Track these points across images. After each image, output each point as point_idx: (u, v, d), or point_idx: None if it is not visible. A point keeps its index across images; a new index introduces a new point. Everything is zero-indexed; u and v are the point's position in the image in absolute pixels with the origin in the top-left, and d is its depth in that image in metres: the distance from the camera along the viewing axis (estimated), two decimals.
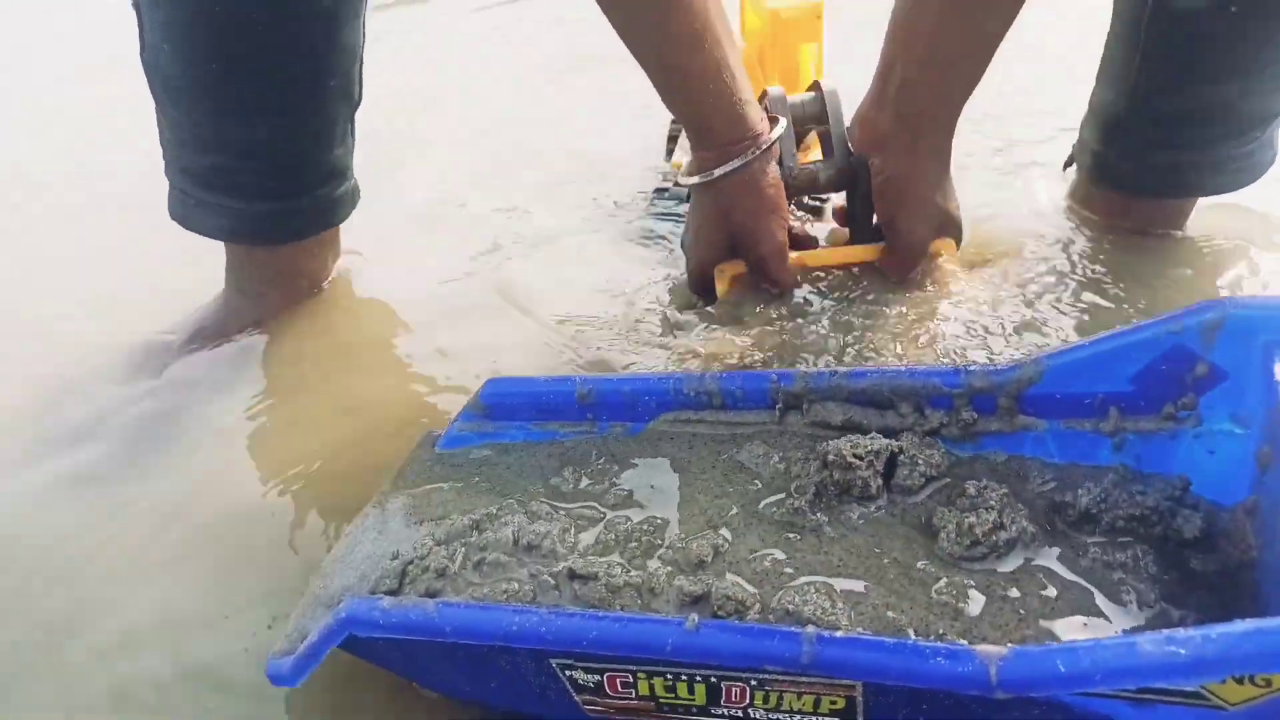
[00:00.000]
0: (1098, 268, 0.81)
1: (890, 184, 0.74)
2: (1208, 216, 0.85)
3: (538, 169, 1.11)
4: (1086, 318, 0.73)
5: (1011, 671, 0.35)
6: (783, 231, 0.73)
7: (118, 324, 0.87)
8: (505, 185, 1.07)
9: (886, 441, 0.50)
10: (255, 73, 0.74)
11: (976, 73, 0.69)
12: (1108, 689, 0.34)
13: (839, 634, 0.38)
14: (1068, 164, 0.90)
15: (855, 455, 0.49)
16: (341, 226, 0.88)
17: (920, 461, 0.49)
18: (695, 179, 0.73)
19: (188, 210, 0.82)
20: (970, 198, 0.83)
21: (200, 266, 0.87)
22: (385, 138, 1.18)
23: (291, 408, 0.75)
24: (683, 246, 0.80)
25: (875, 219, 0.77)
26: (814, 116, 0.79)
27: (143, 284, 0.94)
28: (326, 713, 0.52)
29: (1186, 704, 0.35)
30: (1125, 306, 0.75)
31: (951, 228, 0.76)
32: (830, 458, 0.49)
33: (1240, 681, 0.34)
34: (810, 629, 0.38)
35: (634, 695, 0.44)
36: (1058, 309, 0.74)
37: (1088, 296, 0.76)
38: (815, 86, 0.79)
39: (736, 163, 0.71)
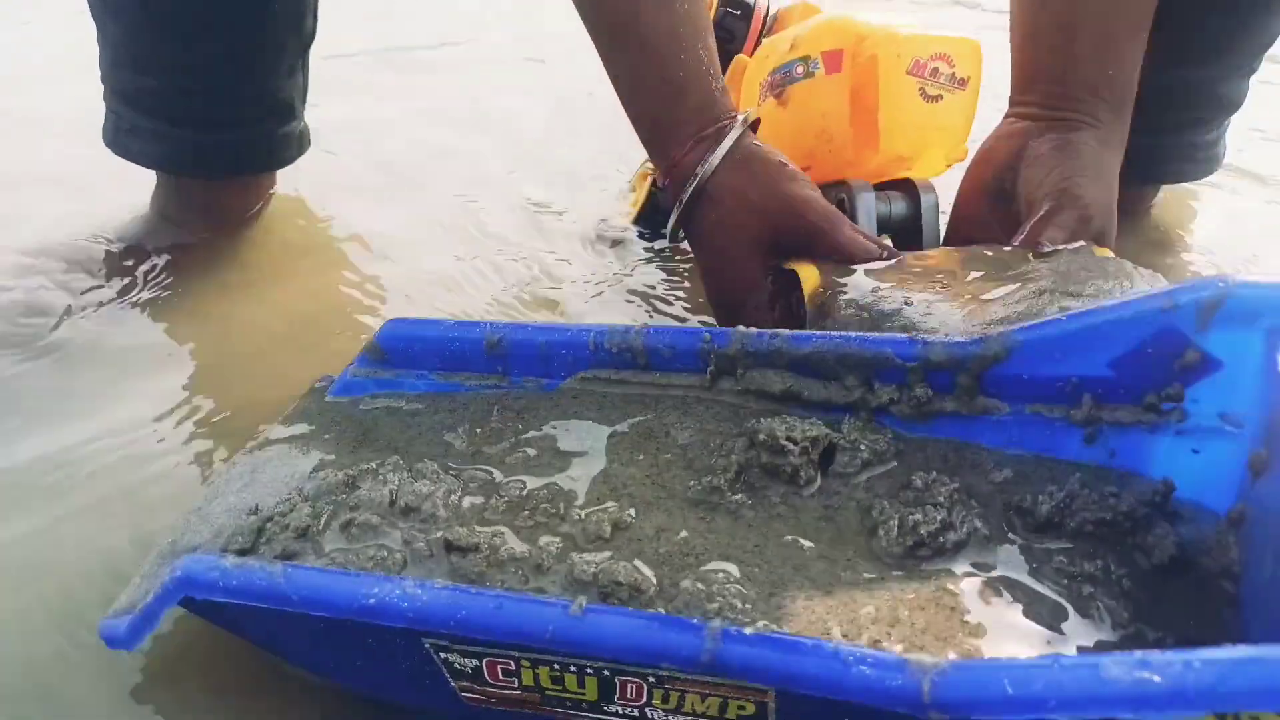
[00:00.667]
0: None
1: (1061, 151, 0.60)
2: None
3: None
4: None
5: (949, 688, 0.29)
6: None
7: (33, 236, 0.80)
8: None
9: (825, 430, 0.43)
10: None
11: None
12: (1070, 715, 0.28)
13: (748, 631, 0.31)
14: None
15: (789, 439, 0.43)
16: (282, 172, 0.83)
17: (863, 447, 0.43)
18: (693, 183, 0.58)
19: (119, 136, 0.77)
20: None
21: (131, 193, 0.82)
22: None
23: (191, 335, 0.70)
24: (713, 303, 0.62)
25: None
26: (900, 222, 0.65)
27: (70, 204, 0.87)
28: (178, 680, 0.45)
29: None
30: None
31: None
32: (760, 437, 0.43)
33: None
34: (715, 622, 0.32)
35: (516, 685, 0.38)
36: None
37: None
38: (906, 184, 0.66)
39: (736, 132, 0.58)
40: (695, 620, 0.32)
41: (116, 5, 0.72)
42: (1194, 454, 0.40)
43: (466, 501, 0.43)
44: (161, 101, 0.75)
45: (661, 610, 0.37)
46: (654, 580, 0.38)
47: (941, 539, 0.39)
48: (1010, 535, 0.40)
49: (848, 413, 0.46)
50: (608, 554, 0.39)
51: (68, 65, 1.15)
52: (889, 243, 0.58)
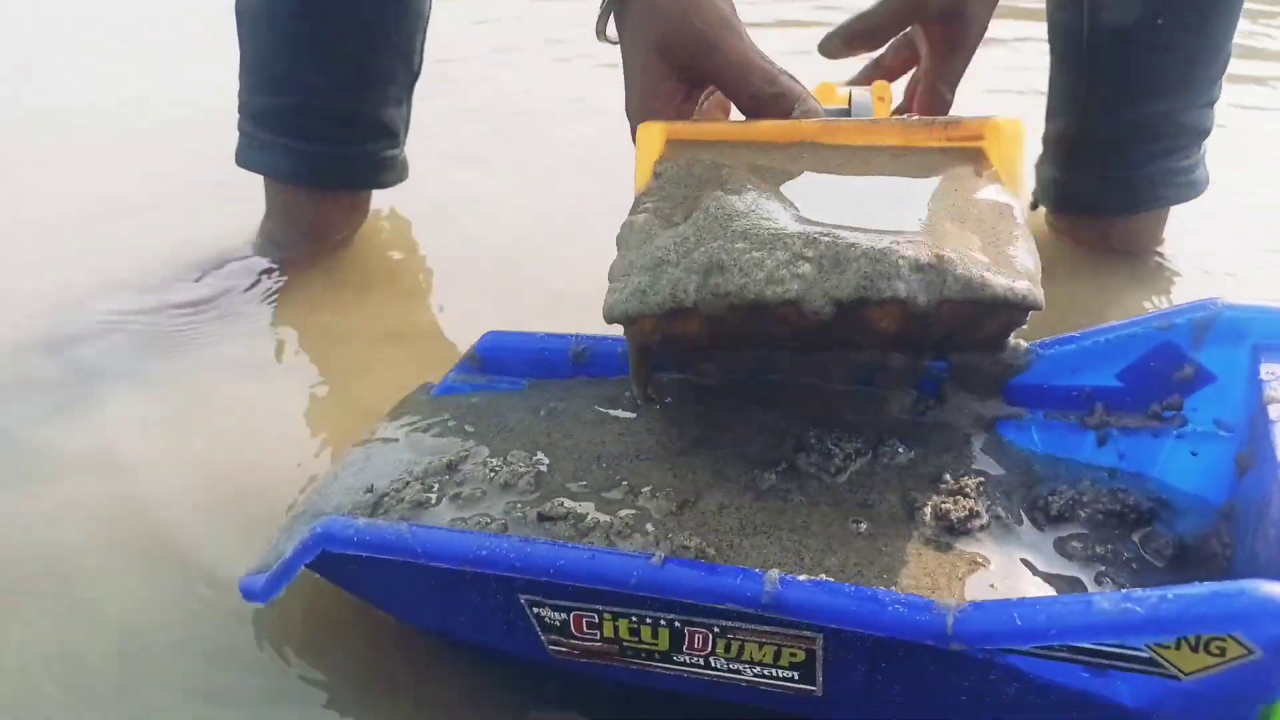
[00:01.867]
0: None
1: None
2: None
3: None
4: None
5: (968, 623, 0.35)
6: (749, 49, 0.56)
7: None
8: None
9: (862, 447, 0.50)
10: (327, 14, 0.82)
11: None
12: (1064, 644, 0.34)
13: (801, 578, 0.38)
14: (1033, 205, 0.94)
15: (835, 443, 0.49)
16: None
17: (900, 449, 0.49)
18: None
19: (252, 153, 0.89)
20: None
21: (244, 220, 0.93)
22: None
23: (300, 343, 0.79)
24: (628, 112, 0.59)
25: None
26: None
27: (193, 229, 0.97)
28: (296, 635, 0.52)
29: (1141, 670, 0.35)
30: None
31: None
32: (812, 441, 0.50)
33: (1195, 649, 0.34)
34: (775, 571, 0.38)
35: (599, 637, 0.44)
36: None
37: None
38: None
39: None
40: (756, 570, 0.39)
41: (259, 32, 0.84)
42: (1193, 456, 0.46)
43: (555, 479, 0.49)
44: (289, 120, 0.86)
45: None
46: (719, 546, 0.44)
47: (970, 524, 0.45)
48: (1031, 524, 0.46)
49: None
50: (676, 526, 0.46)
51: (182, 103, 1.26)
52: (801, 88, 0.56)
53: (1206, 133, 0.85)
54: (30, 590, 0.56)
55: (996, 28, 0.69)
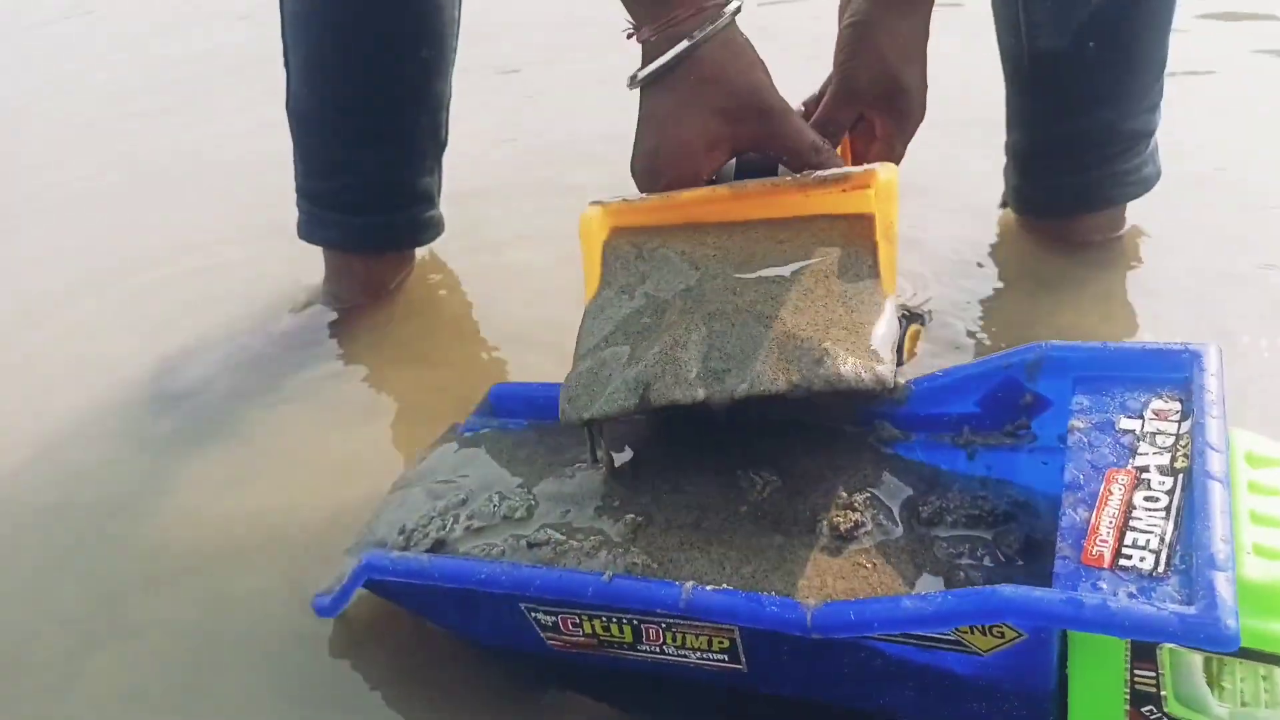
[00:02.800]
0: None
1: (883, 28, 0.73)
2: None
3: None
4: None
5: (821, 618, 0.47)
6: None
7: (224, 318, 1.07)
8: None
9: (777, 477, 0.61)
10: (368, 108, 0.96)
11: None
12: (884, 633, 0.46)
13: (709, 588, 0.50)
14: (1002, 204, 1.04)
15: (757, 474, 0.61)
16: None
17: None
18: (670, 52, 0.63)
19: (312, 228, 1.04)
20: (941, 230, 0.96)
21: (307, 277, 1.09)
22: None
23: (353, 385, 0.95)
24: (641, 168, 0.67)
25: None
26: None
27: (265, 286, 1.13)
28: (361, 640, 0.67)
29: (955, 650, 0.47)
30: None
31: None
32: (738, 474, 0.62)
33: (985, 634, 0.45)
34: (689, 583, 0.51)
35: (581, 633, 0.57)
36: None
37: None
38: None
39: (735, 8, 0.64)
40: (676, 583, 0.51)
41: (310, 121, 0.98)
42: (1044, 465, 0.57)
43: (541, 510, 0.63)
44: (341, 198, 1.00)
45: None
46: (657, 564, 0.57)
47: (856, 532, 0.56)
48: (909, 528, 0.57)
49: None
50: (630, 547, 0.58)
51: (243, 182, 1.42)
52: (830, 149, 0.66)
53: (1151, 133, 0.93)
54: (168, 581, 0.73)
55: None
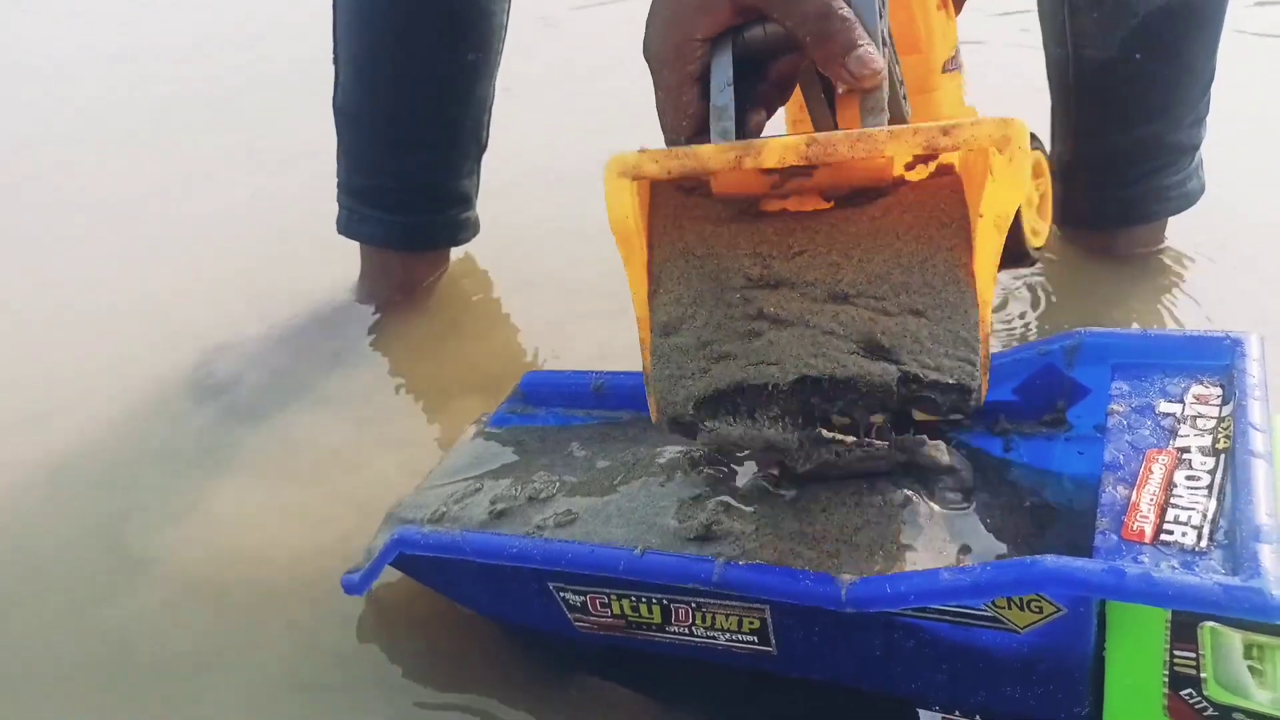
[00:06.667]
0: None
1: None
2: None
3: None
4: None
5: (856, 591, 0.47)
6: None
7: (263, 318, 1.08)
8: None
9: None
10: (413, 109, 0.98)
11: None
12: (921, 605, 0.46)
13: (740, 563, 0.50)
14: None
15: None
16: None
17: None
18: None
19: (352, 224, 1.05)
20: None
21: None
22: None
23: (385, 380, 0.97)
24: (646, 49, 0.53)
25: None
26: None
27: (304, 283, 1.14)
28: (385, 620, 0.67)
29: (990, 626, 0.47)
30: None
31: None
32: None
33: (1022, 609, 0.45)
34: (720, 559, 0.51)
35: (609, 614, 0.57)
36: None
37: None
38: None
39: None
40: (707, 558, 0.51)
41: (356, 119, 1.00)
42: (1080, 455, 0.57)
43: (568, 491, 0.63)
44: (382, 196, 1.02)
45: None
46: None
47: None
48: (943, 508, 0.57)
49: None
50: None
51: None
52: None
53: (1196, 147, 0.93)
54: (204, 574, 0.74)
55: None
